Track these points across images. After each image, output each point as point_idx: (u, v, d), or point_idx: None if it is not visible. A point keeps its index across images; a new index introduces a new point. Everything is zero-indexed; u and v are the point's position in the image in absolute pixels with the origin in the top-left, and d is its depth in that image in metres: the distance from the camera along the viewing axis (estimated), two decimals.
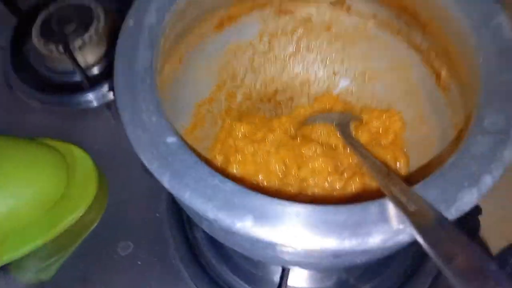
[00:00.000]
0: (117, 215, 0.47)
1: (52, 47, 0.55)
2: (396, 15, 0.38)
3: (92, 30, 0.56)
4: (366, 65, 0.44)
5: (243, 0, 0.39)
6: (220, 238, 0.30)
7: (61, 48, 0.54)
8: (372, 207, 0.23)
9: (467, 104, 0.32)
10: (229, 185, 0.23)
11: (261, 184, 0.40)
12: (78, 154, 0.50)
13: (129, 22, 0.28)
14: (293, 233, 0.22)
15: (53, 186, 0.46)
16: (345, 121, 0.42)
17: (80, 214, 0.46)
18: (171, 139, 0.25)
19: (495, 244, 0.48)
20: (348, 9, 0.40)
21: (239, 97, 0.46)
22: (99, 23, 0.57)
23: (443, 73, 0.36)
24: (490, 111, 0.26)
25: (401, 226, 0.22)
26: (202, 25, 0.38)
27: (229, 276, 0.43)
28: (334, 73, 0.46)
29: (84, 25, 0.57)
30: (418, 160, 0.40)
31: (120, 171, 0.50)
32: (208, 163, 0.33)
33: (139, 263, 0.44)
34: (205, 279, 0.43)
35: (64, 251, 0.46)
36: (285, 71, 0.47)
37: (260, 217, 0.22)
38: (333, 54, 0.45)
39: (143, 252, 0.45)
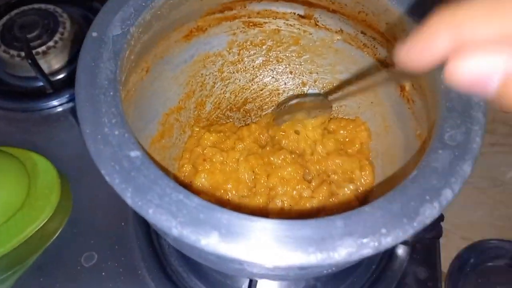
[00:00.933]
0: (81, 224, 0.46)
1: (13, 52, 0.53)
2: (361, 31, 0.39)
3: (57, 36, 0.55)
4: (334, 76, 0.44)
5: (211, 13, 0.38)
6: (186, 252, 0.30)
7: (22, 53, 0.52)
8: (337, 221, 0.23)
9: (430, 116, 0.33)
10: (195, 200, 0.23)
11: (229, 194, 0.40)
12: (40, 162, 0.48)
13: (92, 33, 0.28)
14: (259, 250, 0.22)
15: (12, 195, 0.45)
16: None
17: (42, 224, 0.45)
18: (134, 153, 0.24)
19: (456, 245, 0.51)
20: (316, 23, 0.41)
21: (208, 106, 0.46)
22: (65, 29, 0.56)
23: (407, 86, 0.37)
24: (449, 125, 0.26)
25: (365, 240, 0.22)
26: (169, 35, 0.37)
27: (196, 285, 0.43)
28: (303, 84, 0.46)
29: (49, 31, 0.55)
30: (383, 169, 0.41)
31: (85, 179, 0.48)
32: (175, 178, 0.33)
33: (103, 274, 0.43)
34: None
35: (23, 263, 0.44)
36: (254, 81, 0.47)
37: (226, 233, 0.22)
38: (302, 66, 0.45)
39: (108, 262, 0.44)
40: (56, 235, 0.46)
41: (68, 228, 0.46)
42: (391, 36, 0.35)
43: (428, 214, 0.23)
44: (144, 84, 0.37)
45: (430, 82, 0.31)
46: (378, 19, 0.35)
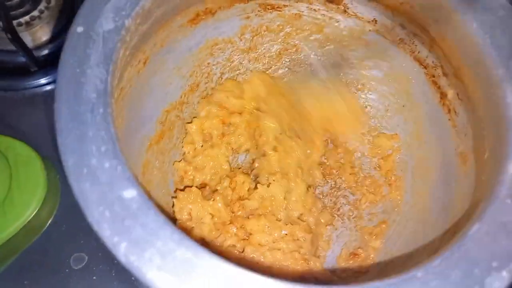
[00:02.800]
0: (69, 222, 0.41)
1: None
2: (400, 24, 0.33)
3: (42, 4, 0.48)
4: (360, 72, 0.39)
5: None
6: None
7: (1, 25, 0.45)
8: None
9: (479, 136, 0.28)
10: (205, 259, 0.18)
11: None
12: (23, 151, 0.43)
13: (77, 28, 0.22)
14: None
15: None
16: None
17: (26, 221, 0.40)
18: (129, 193, 0.19)
19: None
20: (345, 10, 0.35)
21: None
22: None
23: (450, 94, 0.31)
24: None
25: None
26: (172, 20, 0.31)
27: None
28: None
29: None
30: (414, 184, 0.36)
31: None
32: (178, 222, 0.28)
33: (94, 278, 0.39)
34: None
35: (2, 263, 0.40)
36: (268, 72, 0.41)
37: None
38: (324, 57, 0.39)
39: (100, 265, 0.40)
40: (41, 233, 0.41)
41: (55, 226, 0.41)
42: (439, 36, 0.29)
43: (497, 286, 0.18)
44: (141, 78, 0.32)
45: (488, 96, 0.26)
46: (425, 15, 0.29)
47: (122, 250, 0.18)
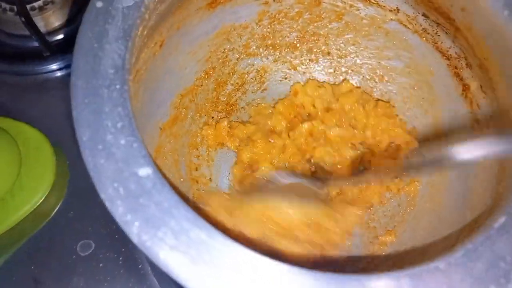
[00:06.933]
0: (77, 208, 0.41)
1: (5, 5, 0.47)
2: (423, 13, 0.32)
3: None
4: (380, 62, 0.38)
5: None
6: None
7: (15, 9, 0.45)
8: (402, 281, 0.18)
9: (501, 129, 0.27)
10: (219, 241, 0.18)
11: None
12: (33, 136, 0.42)
13: (97, 3, 0.21)
14: None
15: (2, 176, 0.39)
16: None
17: (34, 207, 0.40)
18: (145, 171, 0.18)
19: None
20: None
21: (229, 87, 0.39)
22: None
23: (473, 86, 0.30)
24: None
25: None
26: (190, 3, 0.31)
27: None
28: (340, 68, 0.40)
29: None
30: (429, 179, 0.35)
31: None
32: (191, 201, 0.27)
33: (101, 265, 0.39)
34: (176, 285, 0.38)
35: (10, 248, 0.40)
36: (284, 60, 0.40)
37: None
38: (343, 46, 0.39)
39: (107, 253, 0.40)
40: (49, 218, 0.41)
41: (63, 212, 0.41)
42: (465, 25, 0.28)
43: None
44: (156, 61, 0.31)
45: None
46: (451, 3, 0.28)
47: (135, 229, 0.17)
